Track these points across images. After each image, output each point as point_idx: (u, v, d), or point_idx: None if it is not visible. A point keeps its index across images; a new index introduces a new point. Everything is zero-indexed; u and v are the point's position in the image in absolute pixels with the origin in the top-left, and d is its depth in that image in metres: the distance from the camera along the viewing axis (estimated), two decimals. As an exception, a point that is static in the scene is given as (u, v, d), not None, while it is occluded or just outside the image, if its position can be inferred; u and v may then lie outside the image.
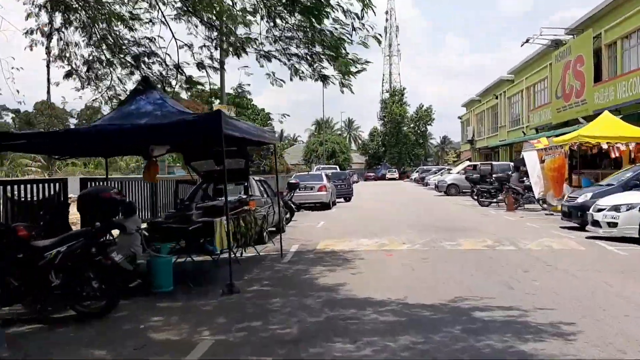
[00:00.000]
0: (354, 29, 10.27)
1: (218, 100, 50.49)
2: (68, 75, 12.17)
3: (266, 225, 14.07)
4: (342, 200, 31.33)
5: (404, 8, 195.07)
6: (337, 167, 39.41)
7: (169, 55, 12.29)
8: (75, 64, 12.13)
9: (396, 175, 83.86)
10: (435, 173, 53.36)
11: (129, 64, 12.40)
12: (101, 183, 12.23)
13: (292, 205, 19.08)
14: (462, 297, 7.53)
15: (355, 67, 11.25)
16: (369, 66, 11.52)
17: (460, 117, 70.01)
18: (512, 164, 34.48)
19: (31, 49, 11.82)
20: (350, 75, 11.54)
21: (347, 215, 22.00)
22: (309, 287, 8.61)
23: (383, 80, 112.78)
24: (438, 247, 12.33)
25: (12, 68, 10.87)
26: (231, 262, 8.57)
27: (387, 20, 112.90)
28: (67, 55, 11.98)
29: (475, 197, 29.08)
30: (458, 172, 35.27)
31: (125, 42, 12.10)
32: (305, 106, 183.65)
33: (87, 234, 7.33)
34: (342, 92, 11.85)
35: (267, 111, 52.83)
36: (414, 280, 8.95)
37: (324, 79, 11.87)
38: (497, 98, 51.41)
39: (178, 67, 12.31)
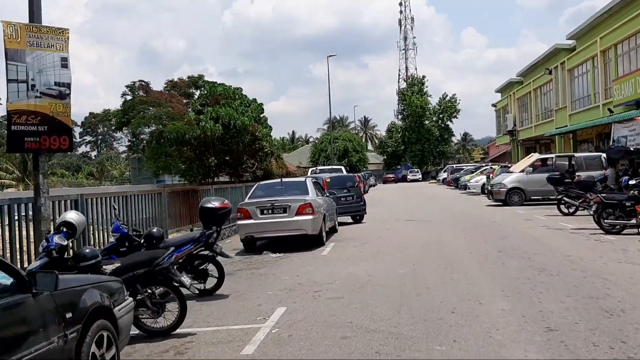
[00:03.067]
0: None
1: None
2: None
3: None
4: (349, 219, 19.31)
5: (418, 7, 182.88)
6: (342, 168, 26.96)
7: None
8: None
9: (419, 176, 71.24)
10: (473, 173, 41.03)
11: None
12: None
13: (195, 271, 7.16)
14: None
15: None
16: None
17: (494, 105, 57.36)
18: (604, 155, 22.23)
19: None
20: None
21: (355, 274, 9.81)
22: None
23: (399, 75, 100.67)
24: None
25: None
26: None
27: (401, 12, 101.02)
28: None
29: (562, 210, 17.07)
30: (523, 170, 22.91)
31: None
32: (321, 111, 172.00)
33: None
34: None
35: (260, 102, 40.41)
36: None
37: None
38: (550, 73, 38.90)
39: None
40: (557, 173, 19.17)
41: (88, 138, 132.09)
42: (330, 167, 30.99)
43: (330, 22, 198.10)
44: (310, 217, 12.71)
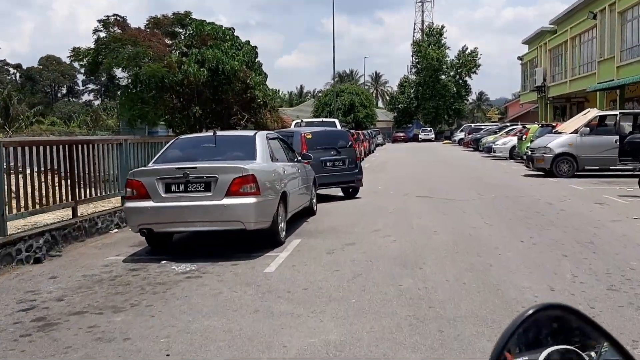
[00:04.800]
0: None
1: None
2: None
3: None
4: (338, 193, 13.73)
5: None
6: (336, 121, 20.56)
7: None
8: None
9: (432, 135, 64.82)
10: (496, 133, 35.12)
11: None
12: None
13: None
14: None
15: None
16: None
17: (520, 58, 50.69)
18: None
19: None
20: None
21: None
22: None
23: (414, 29, 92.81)
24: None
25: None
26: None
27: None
28: None
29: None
30: (577, 131, 17.03)
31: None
32: (332, 66, 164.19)
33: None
34: None
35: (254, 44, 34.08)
36: None
37: None
38: (595, 17, 32.36)
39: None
40: (639, 136, 13.34)
41: (91, 86, 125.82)
42: (320, 119, 24.74)
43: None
44: (251, 199, 7.07)
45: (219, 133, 8.40)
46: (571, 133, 17.31)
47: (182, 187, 7.15)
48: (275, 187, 7.75)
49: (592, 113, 17.73)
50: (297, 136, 12.61)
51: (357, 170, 13.14)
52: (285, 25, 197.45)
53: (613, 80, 29.36)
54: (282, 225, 8.06)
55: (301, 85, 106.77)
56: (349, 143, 13.27)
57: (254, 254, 7.35)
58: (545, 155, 17.31)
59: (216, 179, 7.07)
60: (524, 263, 6.55)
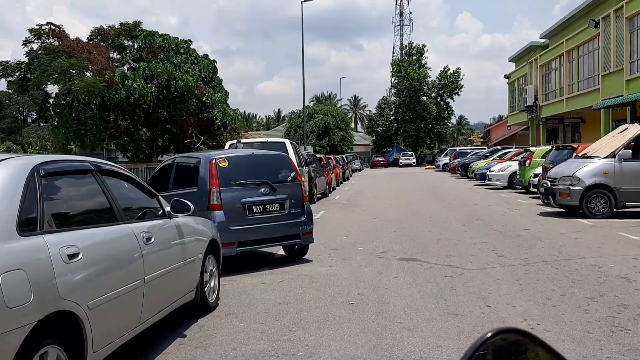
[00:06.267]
0: None
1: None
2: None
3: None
4: (279, 250, 8.75)
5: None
6: (287, 142, 14.93)
7: None
8: None
9: (413, 160, 60.19)
10: (487, 157, 30.61)
11: None
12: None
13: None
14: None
15: None
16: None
17: (507, 76, 46.50)
18: None
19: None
20: None
21: None
22: None
23: (393, 52, 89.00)
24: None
25: None
26: None
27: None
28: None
29: None
30: (614, 155, 12.33)
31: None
32: (313, 92, 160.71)
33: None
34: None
35: (212, 58, 29.34)
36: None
37: None
38: (597, 26, 28.17)
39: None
40: None
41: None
42: (262, 140, 18.98)
43: (325, 2, 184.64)
44: None
45: None
46: (606, 157, 12.59)
47: None
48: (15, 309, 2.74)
49: (633, 130, 13.02)
50: (204, 164, 7.65)
51: (303, 218, 8.09)
52: (267, 52, 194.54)
53: (622, 95, 25.03)
54: None
55: (279, 109, 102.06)
56: (292, 174, 8.25)
57: None
58: (571, 187, 12.53)
59: None
60: None
